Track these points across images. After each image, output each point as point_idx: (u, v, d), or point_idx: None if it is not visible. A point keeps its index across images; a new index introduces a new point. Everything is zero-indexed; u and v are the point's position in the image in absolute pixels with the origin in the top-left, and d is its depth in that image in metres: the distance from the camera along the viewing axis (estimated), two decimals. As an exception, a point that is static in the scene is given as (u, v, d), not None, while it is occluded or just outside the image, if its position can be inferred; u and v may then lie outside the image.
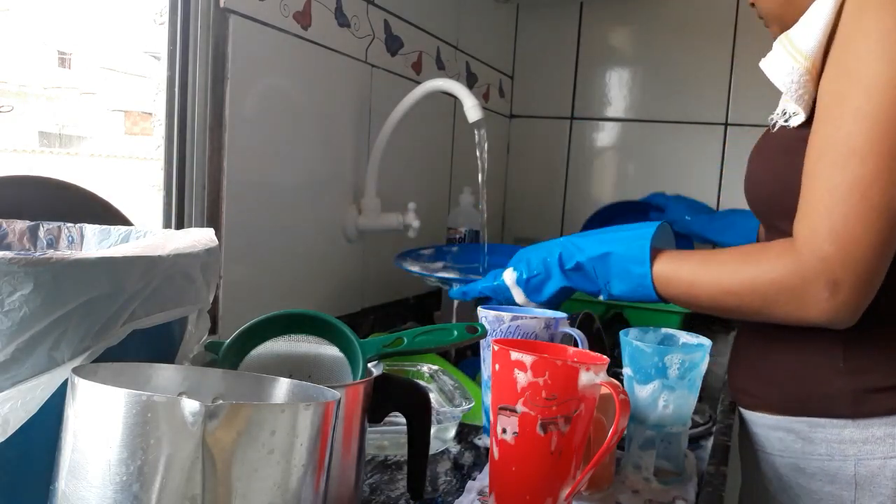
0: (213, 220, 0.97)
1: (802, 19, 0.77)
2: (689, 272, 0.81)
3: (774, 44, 0.81)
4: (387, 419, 0.66)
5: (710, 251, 0.84)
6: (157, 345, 0.57)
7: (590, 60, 1.94)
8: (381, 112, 1.28)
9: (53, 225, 0.68)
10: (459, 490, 0.73)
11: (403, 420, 0.67)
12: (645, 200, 1.74)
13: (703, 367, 0.77)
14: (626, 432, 0.76)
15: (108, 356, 0.50)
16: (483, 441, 0.86)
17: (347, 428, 0.61)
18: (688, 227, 1.55)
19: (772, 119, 0.85)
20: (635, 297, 0.85)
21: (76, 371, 0.44)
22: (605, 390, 0.63)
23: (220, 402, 0.41)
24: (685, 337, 0.82)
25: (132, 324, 0.51)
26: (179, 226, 0.96)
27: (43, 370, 0.47)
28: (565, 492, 0.64)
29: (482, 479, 0.74)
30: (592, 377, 0.62)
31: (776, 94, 0.83)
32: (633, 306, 1.34)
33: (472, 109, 1.10)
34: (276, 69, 1.05)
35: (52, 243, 0.68)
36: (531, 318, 0.81)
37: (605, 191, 1.95)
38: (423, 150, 1.51)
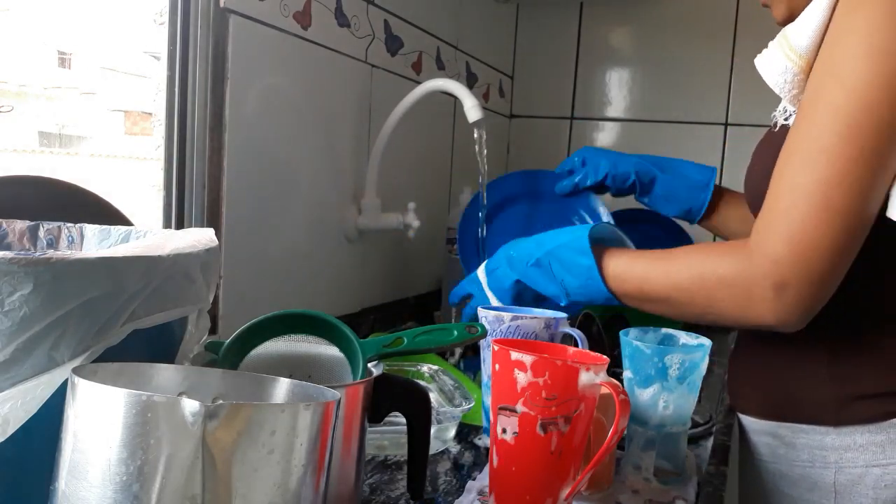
0: (213, 220, 0.97)
1: (801, 16, 0.75)
2: (641, 268, 0.80)
3: (771, 42, 0.79)
4: (387, 419, 0.66)
5: (663, 250, 0.83)
6: (157, 345, 0.57)
7: (590, 60, 1.94)
8: (381, 112, 1.28)
9: (53, 225, 0.68)
10: (459, 490, 0.73)
11: (403, 420, 0.67)
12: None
13: (703, 367, 0.77)
14: (626, 432, 0.76)
15: (108, 356, 0.50)
16: (483, 441, 0.86)
17: (347, 428, 0.61)
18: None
19: (773, 117, 0.84)
20: (590, 293, 0.83)
21: (76, 371, 0.44)
22: (605, 390, 0.63)
23: (220, 402, 0.41)
24: (685, 337, 0.82)
25: (132, 324, 0.51)
26: (179, 226, 0.96)
27: (43, 370, 0.47)
28: (565, 492, 0.64)
29: (482, 479, 0.74)
30: (592, 377, 0.62)
31: (777, 93, 0.83)
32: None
33: (472, 109, 1.10)
34: (276, 69, 1.05)
35: (52, 243, 0.68)
36: (531, 318, 0.81)
37: (605, 191, 1.95)
38: (423, 150, 1.51)
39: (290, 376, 0.54)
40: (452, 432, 0.85)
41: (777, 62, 0.76)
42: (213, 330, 0.96)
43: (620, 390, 0.62)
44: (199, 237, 0.59)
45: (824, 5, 0.72)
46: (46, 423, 0.46)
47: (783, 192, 0.70)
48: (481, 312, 0.82)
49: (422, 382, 0.81)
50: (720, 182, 1.17)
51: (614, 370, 0.89)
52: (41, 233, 0.68)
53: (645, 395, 0.76)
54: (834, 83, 0.68)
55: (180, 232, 0.63)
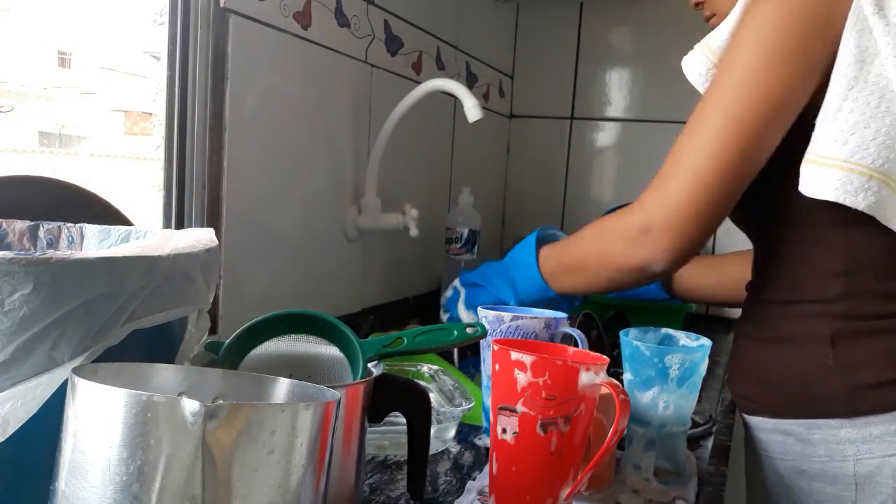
0: (213, 220, 0.97)
1: (723, 22, 0.85)
2: (561, 245, 0.96)
3: (696, 45, 0.89)
4: (387, 419, 0.66)
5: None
6: (157, 345, 0.57)
7: (590, 60, 1.94)
8: (381, 112, 1.28)
9: (53, 225, 0.68)
10: (459, 490, 0.73)
11: (403, 420, 0.67)
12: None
13: (703, 367, 0.77)
14: (626, 432, 0.76)
15: (108, 356, 0.50)
16: (483, 441, 0.86)
17: (347, 428, 0.61)
18: None
19: None
20: (531, 287, 0.97)
21: (76, 371, 0.44)
22: (605, 390, 0.63)
23: (220, 402, 0.41)
24: (685, 338, 0.82)
25: (132, 324, 0.51)
26: (179, 226, 0.96)
27: (43, 370, 0.47)
28: (565, 492, 0.64)
29: (482, 479, 0.74)
30: (592, 377, 0.62)
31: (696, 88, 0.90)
32: (633, 306, 1.35)
33: (472, 109, 1.10)
34: (276, 69, 1.05)
35: (52, 243, 0.68)
36: (531, 318, 0.81)
37: (604, 191, 1.95)
38: (423, 150, 1.51)
39: (290, 376, 0.54)
40: (452, 432, 0.85)
41: (697, 61, 0.88)
42: (213, 330, 0.96)
43: (620, 390, 0.62)
44: (199, 237, 0.59)
45: (738, 7, 0.82)
46: (46, 423, 0.46)
47: (667, 157, 0.81)
48: (481, 312, 0.82)
49: (422, 382, 0.81)
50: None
51: (614, 370, 0.89)
52: (41, 233, 0.68)
53: (645, 395, 0.76)
54: (724, 68, 0.80)
55: (180, 232, 0.63)
